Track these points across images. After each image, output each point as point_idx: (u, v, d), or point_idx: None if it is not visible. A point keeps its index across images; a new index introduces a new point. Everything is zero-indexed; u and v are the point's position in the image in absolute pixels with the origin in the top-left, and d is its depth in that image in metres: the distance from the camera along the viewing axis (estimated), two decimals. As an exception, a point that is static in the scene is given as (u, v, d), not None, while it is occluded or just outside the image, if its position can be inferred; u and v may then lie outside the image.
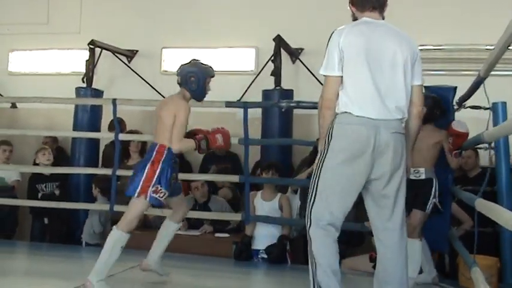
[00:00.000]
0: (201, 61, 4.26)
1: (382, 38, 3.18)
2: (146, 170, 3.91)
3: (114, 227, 4.00)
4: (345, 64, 3.14)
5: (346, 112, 3.12)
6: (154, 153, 3.96)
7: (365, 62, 3.11)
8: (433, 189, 4.45)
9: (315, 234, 3.15)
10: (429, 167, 4.49)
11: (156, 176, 3.90)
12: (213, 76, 4.24)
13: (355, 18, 3.33)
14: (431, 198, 4.43)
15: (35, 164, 6.56)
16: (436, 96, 4.63)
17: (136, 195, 3.90)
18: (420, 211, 4.41)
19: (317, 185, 3.17)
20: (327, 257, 3.13)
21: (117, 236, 3.95)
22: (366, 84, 3.11)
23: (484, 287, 3.26)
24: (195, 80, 4.09)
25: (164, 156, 3.95)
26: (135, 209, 3.97)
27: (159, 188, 3.90)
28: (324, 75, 3.22)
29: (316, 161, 3.24)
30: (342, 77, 3.15)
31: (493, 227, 4.39)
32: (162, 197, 3.92)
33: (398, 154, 3.14)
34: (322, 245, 3.14)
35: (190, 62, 4.23)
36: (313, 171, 3.24)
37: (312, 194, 3.19)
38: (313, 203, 3.17)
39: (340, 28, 3.21)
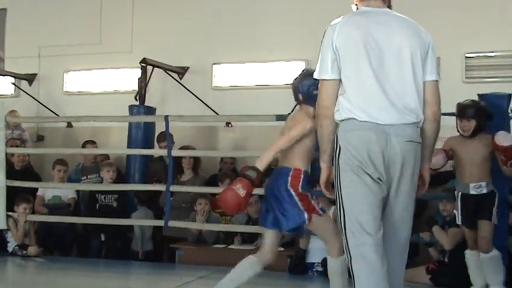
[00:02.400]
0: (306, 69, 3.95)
1: (385, 29, 2.77)
2: (295, 197, 3.56)
3: (329, 256, 3.67)
4: (342, 64, 2.76)
5: (350, 118, 2.75)
6: (290, 178, 3.61)
7: (365, 59, 2.73)
8: (496, 200, 4.33)
9: (359, 271, 2.73)
10: (489, 179, 4.37)
11: (308, 197, 3.59)
12: None
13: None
14: (494, 208, 4.31)
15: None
16: (480, 104, 4.49)
17: (307, 220, 3.56)
18: (487, 221, 4.29)
19: (343, 205, 2.80)
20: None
21: (336, 265, 3.61)
22: (368, 85, 2.73)
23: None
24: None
25: (301, 181, 3.60)
26: (326, 227, 3.64)
27: (316, 199, 3.68)
28: (319, 80, 2.88)
29: (334, 179, 2.89)
30: (339, 79, 2.79)
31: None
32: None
33: (409, 166, 2.78)
34: (369, 283, 2.71)
35: (301, 75, 3.89)
36: (335, 189, 2.89)
37: (341, 218, 2.81)
38: (345, 227, 2.79)
39: (335, 22, 2.84)
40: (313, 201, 3.60)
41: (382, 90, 2.73)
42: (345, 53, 2.76)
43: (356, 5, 2.95)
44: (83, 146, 7.41)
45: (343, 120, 2.78)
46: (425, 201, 6.06)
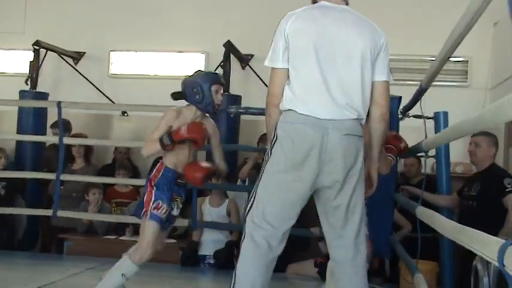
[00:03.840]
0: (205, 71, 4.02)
1: (338, 25, 2.75)
2: (147, 189, 3.68)
3: (125, 254, 3.70)
4: (291, 55, 2.75)
5: (290, 109, 2.72)
6: (154, 170, 3.71)
7: (313, 53, 2.71)
8: None
9: (246, 249, 2.76)
10: None
11: (153, 193, 3.63)
12: (219, 83, 3.77)
13: (314, 1, 2.92)
14: None
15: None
16: None
17: (142, 216, 3.63)
18: None
19: (256, 192, 2.79)
20: (251, 278, 2.73)
21: (123, 264, 3.66)
22: (312, 78, 2.71)
23: (425, 293, 3.34)
24: (198, 91, 3.69)
25: (160, 174, 3.66)
26: (144, 232, 3.64)
27: (160, 204, 3.61)
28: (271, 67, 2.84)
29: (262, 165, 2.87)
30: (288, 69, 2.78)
31: (434, 232, 4.49)
32: (163, 214, 3.62)
33: (351, 159, 2.70)
34: (250, 263, 2.74)
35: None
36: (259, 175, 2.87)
37: (250, 201, 2.82)
38: (249, 211, 2.81)
39: (290, 13, 2.81)
40: (153, 204, 3.60)
41: (326, 86, 2.70)
42: (294, 45, 2.74)
43: None
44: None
45: (285, 110, 2.76)
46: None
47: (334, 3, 2.83)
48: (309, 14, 2.79)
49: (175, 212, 3.79)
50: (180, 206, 3.82)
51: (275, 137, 2.76)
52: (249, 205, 2.82)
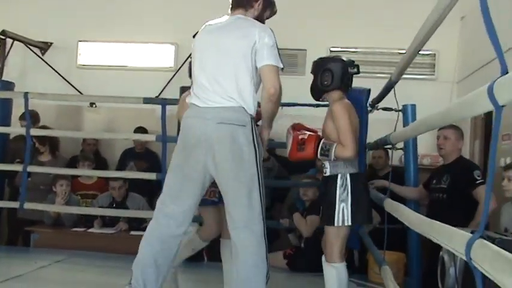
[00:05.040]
0: None
1: (220, 30, 3.20)
2: None
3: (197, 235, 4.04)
4: (192, 61, 3.27)
5: (190, 104, 3.20)
6: None
7: (202, 56, 3.18)
8: (338, 191, 3.29)
9: (149, 227, 3.18)
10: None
11: None
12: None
13: None
14: (337, 205, 3.26)
15: None
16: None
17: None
18: (330, 226, 3.33)
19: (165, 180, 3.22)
20: (142, 249, 3.12)
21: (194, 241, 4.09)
22: (200, 77, 3.14)
23: (392, 284, 3.38)
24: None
25: None
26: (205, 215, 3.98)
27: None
28: None
29: None
30: None
31: (402, 224, 4.55)
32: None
33: (224, 145, 3.00)
34: (145, 236, 3.15)
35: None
36: None
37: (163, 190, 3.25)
38: (160, 197, 3.20)
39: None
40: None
41: (205, 79, 3.11)
42: (194, 54, 3.27)
43: None
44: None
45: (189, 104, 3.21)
46: (288, 188, 6.25)
47: (233, 14, 3.29)
48: (207, 28, 3.28)
49: None
50: None
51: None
52: (161, 192, 3.22)
